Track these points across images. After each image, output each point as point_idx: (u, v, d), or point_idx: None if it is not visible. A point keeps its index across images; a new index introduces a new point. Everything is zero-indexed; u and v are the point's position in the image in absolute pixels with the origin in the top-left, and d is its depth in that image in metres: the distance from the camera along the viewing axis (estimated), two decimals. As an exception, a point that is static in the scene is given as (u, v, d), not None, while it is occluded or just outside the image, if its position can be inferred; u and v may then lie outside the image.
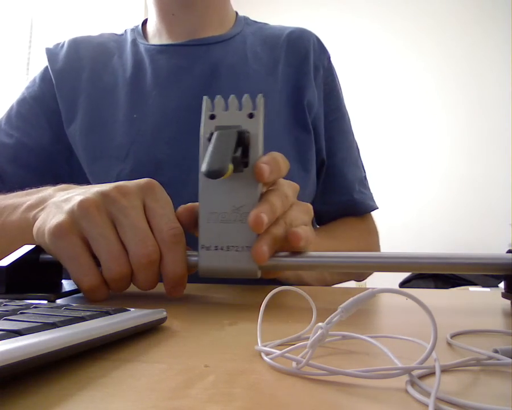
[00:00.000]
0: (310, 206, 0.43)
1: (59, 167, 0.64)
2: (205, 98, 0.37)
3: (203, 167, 0.32)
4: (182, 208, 0.37)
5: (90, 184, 0.53)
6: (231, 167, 0.32)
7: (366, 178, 0.72)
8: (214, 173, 0.31)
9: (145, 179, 0.38)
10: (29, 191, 0.48)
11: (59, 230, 0.34)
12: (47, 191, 0.44)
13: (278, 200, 0.36)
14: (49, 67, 0.68)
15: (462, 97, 2.71)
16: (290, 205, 0.39)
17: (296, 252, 0.37)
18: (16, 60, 1.85)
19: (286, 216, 0.37)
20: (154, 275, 0.35)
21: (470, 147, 2.67)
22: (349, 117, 0.71)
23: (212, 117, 0.36)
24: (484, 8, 2.70)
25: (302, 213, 0.40)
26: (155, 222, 0.35)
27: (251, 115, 0.36)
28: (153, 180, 0.38)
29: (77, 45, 0.70)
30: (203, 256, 0.35)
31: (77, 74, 0.67)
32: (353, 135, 0.72)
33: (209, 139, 0.34)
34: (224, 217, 0.35)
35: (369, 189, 0.71)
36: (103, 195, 0.35)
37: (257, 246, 0.34)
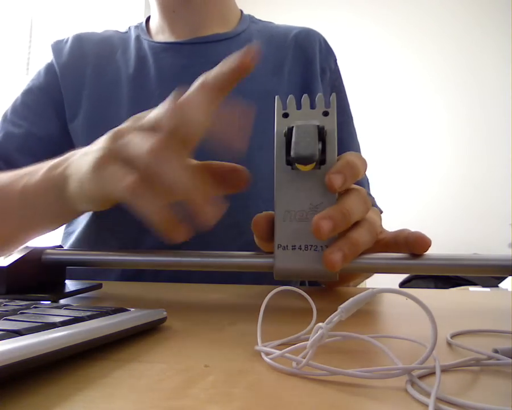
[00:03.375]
0: (377, 210, 0.43)
1: None
2: (277, 97, 0.36)
3: (292, 153, 0.31)
4: (258, 216, 0.36)
5: None
6: None
7: (369, 181, 0.72)
8: (305, 159, 0.31)
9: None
10: (43, 163, 0.46)
11: (100, 161, 0.34)
12: (63, 155, 0.43)
13: (355, 202, 0.34)
14: (54, 61, 0.68)
15: (462, 96, 2.71)
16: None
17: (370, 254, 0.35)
18: (16, 60, 1.85)
19: (368, 219, 0.36)
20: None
21: (470, 147, 2.67)
22: (353, 121, 0.71)
23: (285, 115, 0.36)
24: (485, 7, 2.70)
25: (377, 216, 0.39)
26: None
27: (325, 113, 0.35)
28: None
29: (81, 41, 0.70)
30: (279, 256, 0.34)
31: (81, 70, 0.67)
32: (358, 138, 0.72)
33: (286, 135, 0.34)
34: (302, 216, 0.34)
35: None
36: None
37: (327, 253, 0.31)
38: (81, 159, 0.38)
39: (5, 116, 0.66)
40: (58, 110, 0.65)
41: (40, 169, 0.44)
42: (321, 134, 0.34)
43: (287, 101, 0.36)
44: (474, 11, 2.72)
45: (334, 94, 0.36)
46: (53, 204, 0.39)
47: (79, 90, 0.65)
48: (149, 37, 0.70)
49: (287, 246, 0.34)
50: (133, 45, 0.69)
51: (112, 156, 0.34)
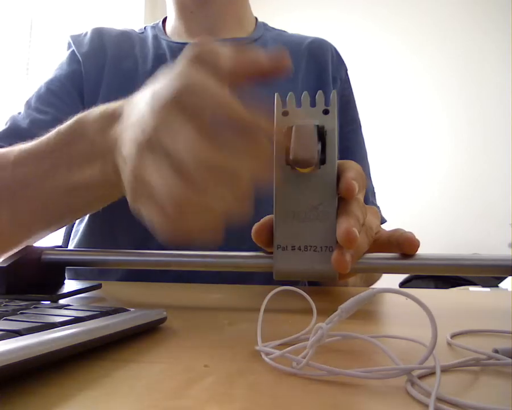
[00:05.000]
0: (376, 209, 0.43)
1: None
2: (276, 94, 0.35)
3: (291, 156, 0.31)
4: (258, 226, 0.35)
5: None
6: None
7: (375, 191, 0.72)
8: (304, 162, 0.31)
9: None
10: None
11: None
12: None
13: (359, 209, 0.34)
14: (75, 50, 0.68)
15: (462, 96, 2.71)
16: None
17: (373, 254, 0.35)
18: (16, 60, 1.85)
19: (366, 221, 0.36)
20: None
21: (470, 146, 2.67)
22: (362, 130, 0.72)
23: (285, 113, 0.35)
24: (484, 7, 2.70)
25: (374, 217, 0.40)
26: None
27: (326, 112, 0.34)
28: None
29: (101, 33, 0.70)
30: (279, 257, 0.34)
31: (101, 61, 0.67)
32: (366, 148, 0.72)
33: (284, 135, 0.33)
34: (302, 216, 0.34)
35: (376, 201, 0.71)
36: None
37: (339, 254, 0.31)
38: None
39: (28, 104, 0.64)
40: (82, 98, 0.65)
41: (76, 162, 0.39)
42: (321, 133, 0.33)
43: (287, 98, 0.35)
44: (474, 11, 2.72)
45: (334, 91, 0.35)
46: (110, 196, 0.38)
47: (99, 80, 0.65)
48: (167, 37, 0.70)
49: (286, 246, 0.34)
50: (151, 43, 0.69)
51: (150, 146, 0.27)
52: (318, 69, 0.68)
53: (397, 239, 0.36)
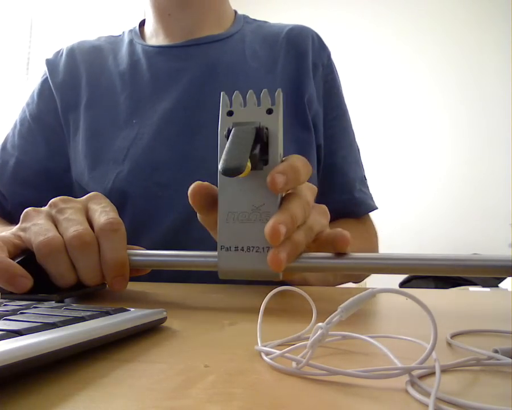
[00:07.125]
0: (326, 208, 0.42)
1: (58, 181, 0.65)
2: (222, 93, 0.35)
3: (220, 164, 0.31)
4: (195, 184, 0.35)
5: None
6: (248, 165, 0.31)
7: (365, 177, 0.71)
8: (231, 171, 0.31)
9: (93, 192, 0.41)
10: None
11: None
12: None
13: (299, 208, 0.34)
14: (49, 79, 0.69)
15: (463, 97, 2.71)
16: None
17: (314, 253, 0.35)
18: (16, 60, 1.85)
19: (307, 221, 0.36)
20: (91, 262, 0.35)
21: (470, 147, 2.67)
22: (349, 115, 0.71)
23: (230, 113, 0.35)
24: (485, 8, 2.70)
25: (321, 216, 0.39)
26: (94, 218, 0.37)
27: (270, 111, 0.34)
28: (99, 193, 0.41)
29: (74, 52, 0.70)
30: (222, 257, 0.34)
31: (77, 83, 0.67)
32: (353, 133, 0.71)
33: (227, 136, 0.33)
34: (244, 217, 0.34)
35: (368, 189, 0.70)
36: (48, 204, 0.39)
37: (274, 253, 0.32)
38: None
39: (4, 144, 0.68)
40: (49, 136, 0.67)
41: None
42: (260, 135, 0.33)
43: (232, 97, 0.35)
44: (475, 10, 2.72)
45: (279, 90, 0.35)
46: None
47: (78, 103, 0.66)
48: (143, 41, 0.70)
49: (229, 247, 0.34)
50: (125, 49, 0.69)
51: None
52: (297, 55, 0.66)
53: (325, 238, 0.36)
